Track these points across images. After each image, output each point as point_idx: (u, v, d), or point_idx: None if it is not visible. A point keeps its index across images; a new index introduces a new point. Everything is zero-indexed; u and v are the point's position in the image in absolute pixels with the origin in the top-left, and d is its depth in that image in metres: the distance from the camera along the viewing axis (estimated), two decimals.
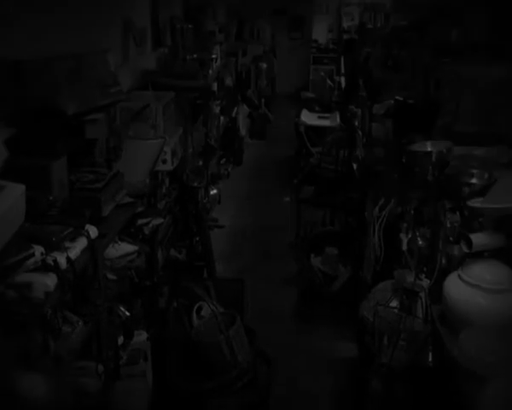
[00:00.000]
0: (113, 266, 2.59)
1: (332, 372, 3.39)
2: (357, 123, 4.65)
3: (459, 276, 2.22)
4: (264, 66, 9.52)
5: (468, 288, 2.16)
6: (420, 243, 2.67)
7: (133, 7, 3.73)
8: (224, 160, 6.96)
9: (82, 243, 2.03)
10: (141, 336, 2.76)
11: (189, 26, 4.72)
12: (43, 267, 1.79)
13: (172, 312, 3.24)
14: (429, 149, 2.75)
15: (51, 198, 2.06)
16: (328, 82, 8.19)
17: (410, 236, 2.77)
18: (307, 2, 11.67)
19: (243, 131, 7.78)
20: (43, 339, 1.80)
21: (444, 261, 2.44)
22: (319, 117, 6.64)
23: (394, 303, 2.62)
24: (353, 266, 4.05)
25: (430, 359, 2.41)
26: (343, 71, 7.81)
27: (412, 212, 2.81)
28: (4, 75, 2.12)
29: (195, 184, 3.99)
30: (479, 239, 2.24)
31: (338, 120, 6.16)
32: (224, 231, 5.33)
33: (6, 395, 1.62)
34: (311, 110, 6.90)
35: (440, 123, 3.04)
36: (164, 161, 3.23)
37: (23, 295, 1.69)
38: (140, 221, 2.93)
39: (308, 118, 6.54)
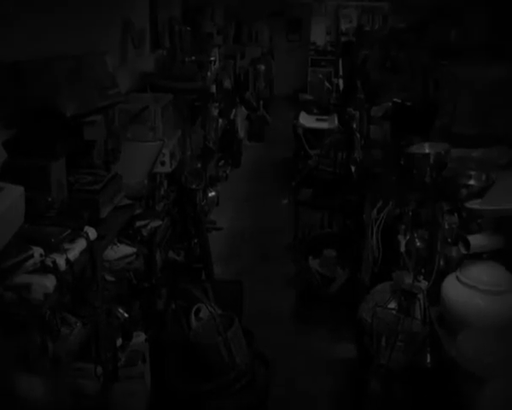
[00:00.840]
0: (112, 268, 2.59)
1: (331, 373, 3.39)
2: (355, 125, 4.65)
3: (457, 277, 2.23)
4: (263, 68, 9.53)
5: (467, 289, 2.16)
6: (418, 244, 2.67)
7: (132, 8, 3.72)
8: (223, 162, 6.97)
9: (81, 244, 2.03)
10: (139, 338, 2.75)
11: (188, 28, 4.72)
12: (43, 269, 1.79)
13: (171, 313, 3.24)
14: (427, 151, 2.75)
15: (50, 199, 2.06)
16: (327, 84, 8.19)
17: (408, 237, 2.77)
18: (305, 5, 11.70)
19: (241, 134, 7.79)
20: (41, 340, 1.80)
21: (442, 263, 2.44)
22: (317, 119, 6.64)
23: (392, 305, 2.62)
24: (351, 268, 4.05)
25: (428, 360, 2.41)
26: (341, 73, 7.82)
27: (410, 213, 2.81)
28: (3, 75, 2.12)
29: (194, 187, 3.99)
30: (477, 241, 2.24)
31: (336, 122, 6.14)
32: (222, 233, 5.33)
33: (5, 395, 1.61)
34: (310, 112, 6.89)
35: (438, 125, 3.04)
36: (162, 163, 3.23)
37: (22, 296, 1.69)
38: (138, 223, 2.93)
39: (306, 120, 6.53)
